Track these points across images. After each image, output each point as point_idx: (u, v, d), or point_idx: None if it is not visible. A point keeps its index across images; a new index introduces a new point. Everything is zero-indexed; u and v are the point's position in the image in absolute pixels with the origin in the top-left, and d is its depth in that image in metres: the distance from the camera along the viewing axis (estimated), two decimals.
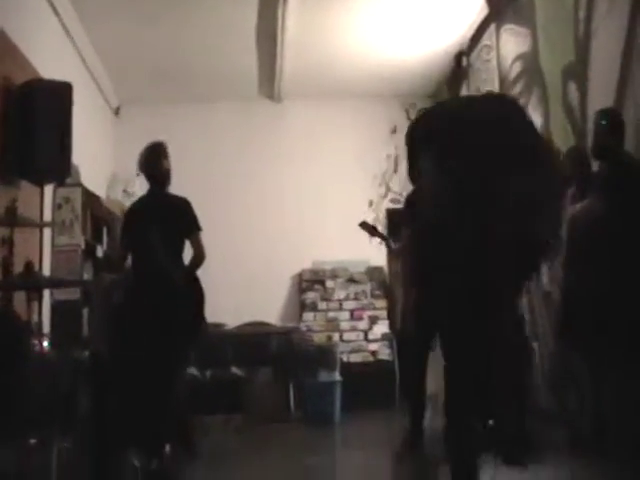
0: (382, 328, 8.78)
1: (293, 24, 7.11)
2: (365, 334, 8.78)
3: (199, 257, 5.00)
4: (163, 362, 4.74)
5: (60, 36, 6.68)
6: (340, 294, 8.96)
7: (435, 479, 4.59)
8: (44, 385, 3.73)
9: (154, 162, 5.11)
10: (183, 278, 4.88)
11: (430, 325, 5.15)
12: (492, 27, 7.18)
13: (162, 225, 4.85)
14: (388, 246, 6.06)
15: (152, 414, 4.63)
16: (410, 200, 5.61)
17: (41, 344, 4.18)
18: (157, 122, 8.83)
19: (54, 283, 5.33)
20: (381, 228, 8.76)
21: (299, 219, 9.01)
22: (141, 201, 5.28)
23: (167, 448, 4.66)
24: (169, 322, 4.76)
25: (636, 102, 4.64)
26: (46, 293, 5.53)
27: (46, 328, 5.45)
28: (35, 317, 4.48)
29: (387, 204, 9.38)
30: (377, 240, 6.03)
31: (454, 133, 2.99)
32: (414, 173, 3.25)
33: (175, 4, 6.82)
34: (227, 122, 9.23)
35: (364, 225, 5.78)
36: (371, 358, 8.61)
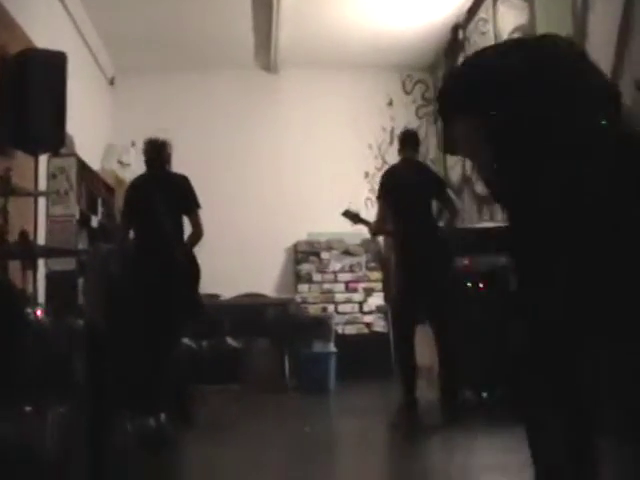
0: (377, 300, 8.82)
1: None
2: (360, 306, 8.82)
3: (197, 234, 5.12)
4: (159, 333, 4.81)
5: (55, 5, 6.63)
6: (335, 266, 8.97)
7: (430, 447, 4.64)
8: (39, 353, 3.74)
9: (156, 156, 5.20)
10: (183, 254, 4.97)
11: (416, 299, 5.27)
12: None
13: (163, 201, 4.93)
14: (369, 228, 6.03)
15: (148, 381, 4.68)
16: (387, 174, 5.71)
17: (35, 313, 4.20)
18: (152, 92, 8.83)
19: (51, 252, 5.34)
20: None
21: (294, 190, 8.99)
22: (142, 177, 5.37)
23: (163, 416, 4.71)
24: (167, 295, 4.84)
25: (633, 76, 4.63)
26: (41, 263, 5.55)
27: (41, 299, 5.48)
28: (30, 287, 4.50)
29: None
30: (361, 226, 6.00)
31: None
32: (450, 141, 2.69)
33: None
34: (223, 92, 9.16)
35: (347, 213, 5.80)
36: (366, 330, 8.66)
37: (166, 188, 5.11)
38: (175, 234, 5.03)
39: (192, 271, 5.11)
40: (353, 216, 5.76)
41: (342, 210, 5.83)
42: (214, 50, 8.57)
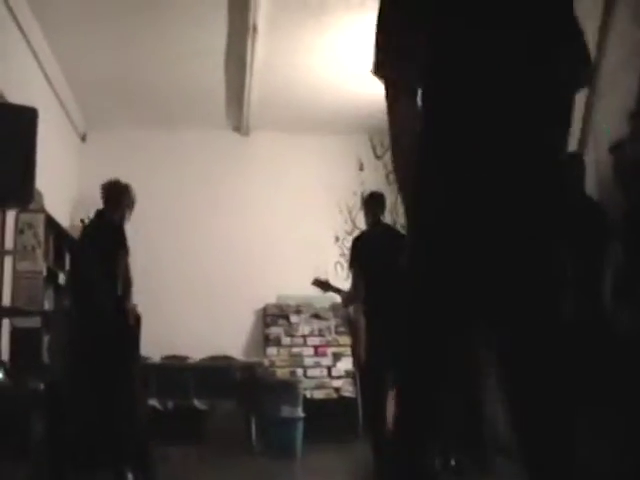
0: (346, 365, 8.73)
1: (262, 55, 7.13)
2: (329, 370, 8.72)
3: (125, 283, 4.97)
4: (105, 390, 4.68)
5: (28, 60, 6.63)
6: (304, 329, 8.90)
7: None
8: None
9: (114, 199, 5.12)
10: (115, 305, 4.85)
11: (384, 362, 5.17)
12: None
13: (97, 250, 4.83)
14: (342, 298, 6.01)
15: (107, 443, 4.56)
16: (358, 241, 5.65)
17: None
18: (123, 148, 8.83)
19: (16, 312, 5.23)
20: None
21: (264, 252, 8.96)
22: (84, 228, 5.28)
23: (130, 476, 4.58)
24: (105, 350, 4.72)
25: (596, 140, 4.73)
26: (5, 319, 5.44)
27: (5, 355, 5.35)
28: None
29: None
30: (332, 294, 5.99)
31: None
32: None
33: (144, 28, 6.79)
34: (193, 150, 9.17)
35: (316, 282, 5.77)
36: (334, 395, 8.54)
37: (100, 236, 5.01)
38: (104, 286, 4.88)
39: (124, 323, 4.95)
40: (322, 284, 5.72)
41: (311, 279, 5.79)
42: (186, 108, 8.61)
